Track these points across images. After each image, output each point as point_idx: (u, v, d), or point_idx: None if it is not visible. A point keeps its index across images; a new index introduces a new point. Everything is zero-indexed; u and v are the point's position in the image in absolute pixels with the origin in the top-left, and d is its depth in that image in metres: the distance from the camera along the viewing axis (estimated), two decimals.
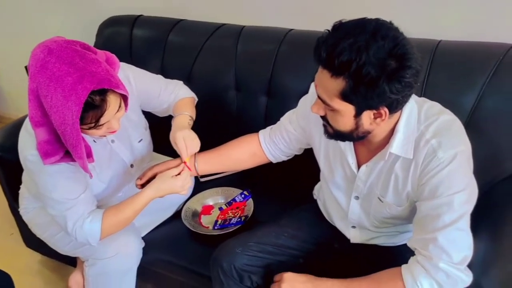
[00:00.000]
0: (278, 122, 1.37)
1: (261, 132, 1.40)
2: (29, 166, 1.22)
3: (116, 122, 1.18)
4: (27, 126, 1.23)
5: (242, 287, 1.24)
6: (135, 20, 2.05)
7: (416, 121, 1.01)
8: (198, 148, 1.31)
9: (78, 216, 1.24)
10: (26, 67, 2.34)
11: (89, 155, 1.20)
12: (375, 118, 0.96)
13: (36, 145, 1.16)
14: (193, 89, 1.84)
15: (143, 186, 1.32)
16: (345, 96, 0.91)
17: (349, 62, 0.85)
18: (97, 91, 1.06)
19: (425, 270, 0.97)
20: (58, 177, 1.21)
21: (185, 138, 1.28)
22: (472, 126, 1.33)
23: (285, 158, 1.40)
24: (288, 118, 1.34)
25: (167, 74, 1.66)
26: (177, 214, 1.62)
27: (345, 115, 0.96)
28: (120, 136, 1.38)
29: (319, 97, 0.98)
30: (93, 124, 1.12)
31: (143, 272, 1.50)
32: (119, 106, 1.15)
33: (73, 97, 1.02)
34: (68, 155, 1.19)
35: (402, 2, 1.57)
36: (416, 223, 1.04)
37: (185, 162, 1.30)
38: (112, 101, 1.11)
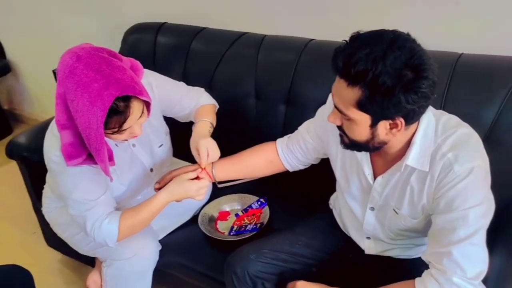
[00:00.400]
0: (296, 131, 1.39)
1: (279, 140, 1.42)
2: (53, 166, 1.27)
3: (138, 128, 1.22)
4: (53, 128, 1.28)
5: None
6: (159, 28, 2.10)
7: (433, 134, 1.01)
8: (217, 157, 1.34)
9: (97, 217, 1.27)
10: (53, 71, 2.42)
11: (111, 158, 1.24)
12: (391, 128, 0.97)
13: (61, 147, 1.21)
14: (213, 96, 1.87)
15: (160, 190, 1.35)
16: (361, 105, 0.92)
17: (365, 71, 0.87)
18: (122, 98, 1.10)
19: (439, 284, 0.97)
20: (79, 178, 1.25)
21: (208, 147, 1.31)
22: (492, 140, 1.31)
23: (301, 167, 1.41)
24: (306, 128, 1.35)
25: (189, 81, 1.69)
26: (194, 219, 1.64)
27: (361, 125, 0.97)
28: (141, 141, 1.41)
29: (335, 106, 0.99)
30: (116, 129, 1.16)
31: (158, 274, 1.53)
32: (142, 112, 1.19)
33: (99, 103, 1.06)
34: (90, 158, 1.22)
35: (423, 14, 1.57)
36: (431, 236, 1.03)
37: (204, 168, 1.32)
38: (136, 107, 1.15)
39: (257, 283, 1.25)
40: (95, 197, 1.28)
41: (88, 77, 1.07)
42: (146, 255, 1.44)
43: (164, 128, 1.54)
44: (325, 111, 1.26)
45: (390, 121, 0.95)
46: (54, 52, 2.79)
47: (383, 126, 0.96)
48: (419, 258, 1.20)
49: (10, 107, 3.42)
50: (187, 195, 1.30)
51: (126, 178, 1.42)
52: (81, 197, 1.26)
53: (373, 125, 0.96)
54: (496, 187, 1.03)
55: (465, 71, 1.42)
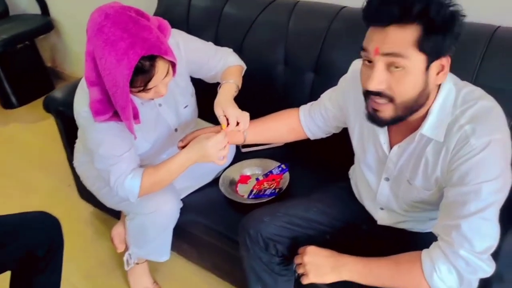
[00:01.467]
0: (319, 99, 1.38)
1: (302, 107, 1.42)
2: (81, 121, 1.32)
3: (163, 87, 1.25)
4: (82, 84, 1.33)
5: (267, 254, 1.28)
6: None
7: (452, 104, 0.98)
8: (247, 126, 1.34)
9: (121, 172, 1.33)
10: None
11: (136, 116, 1.28)
12: (438, 73, 0.95)
13: (89, 103, 1.25)
14: (243, 61, 1.88)
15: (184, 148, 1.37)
16: (420, 44, 0.90)
17: (417, 4, 0.87)
18: (147, 57, 1.12)
19: (445, 256, 0.96)
20: (105, 134, 1.30)
21: (238, 117, 1.31)
22: None
23: (323, 135, 1.41)
24: (328, 96, 1.34)
25: (220, 45, 1.69)
26: (215, 181, 1.67)
27: (414, 72, 0.93)
28: (167, 101, 1.44)
29: (391, 53, 0.92)
30: (142, 88, 1.19)
31: (179, 231, 1.59)
32: (167, 72, 1.22)
33: (125, 61, 1.10)
34: (116, 115, 1.27)
35: None
36: (442, 209, 1.02)
37: (224, 130, 1.32)
38: (161, 66, 1.18)
39: (269, 244, 1.28)
40: (120, 152, 1.32)
41: (115, 36, 1.10)
42: (167, 211, 1.50)
43: (191, 89, 1.56)
44: (347, 80, 1.25)
45: (440, 62, 0.94)
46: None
47: (434, 70, 0.94)
48: (432, 232, 1.20)
49: (52, 64, 3.55)
50: (205, 153, 1.31)
51: (151, 137, 1.46)
52: (107, 152, 1.32)
53: (427, 68, 0.93)
54: None
55: (500, 45, 1.36)
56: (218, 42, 1.95)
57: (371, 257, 1.09)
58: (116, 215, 1.91)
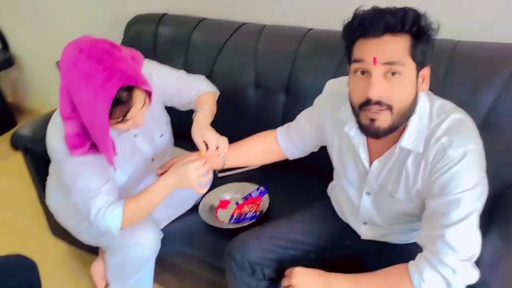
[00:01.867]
0: (295, 120, 1.40)
1: (279, 129, 1.43)
2: (56, 156, 1.29)
3: (141, 117, 1.24)
4: (55, 118, 1.30)
5: (254, 279, 1.27)
6: (160, 19, 2.11)
7: (427, 118, 1.03)
8: (226, 149, 1.34)
9: (101, 205, 1.29)
10: (57, 63, 2.44)
11: (113, 148, 1.26)
12: (422, 81, 1.02)
13: (64, 137, 1.23)
14: (215, 86, 1.89)
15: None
16: (411, 52, 0.96)
17: (406, 16, 0.94)
18: (125, 88, 1.12)
19: (431, 265, 0.98)
20: (83, 167, 1.27)
21: (217, 140, 1.32)
22: (489, 126, 1.32)
23: (302, 155, 1.43)
24: (304, 116, 1.37)
25: (190, 71, 1.70)
26: (194, 208, 1.65)
27: (408, 78, 0.98)
28: (142, 131, 1.43)
29: (389, 63, 0.95)
30: (120, 119, 1.18)
31: (161, 263, 1.56)
32: (144, 102, 1.22)
33: (103, 94, 1.09)
34: (93, 148, 1.25)
35: (421, 3, 1.57)
36: (425, 220, 1.05)
37: (203, 156, 1.32)
38: (138, 97, 1.18)
39: (256, 269, 1.27)
40: (98, 185, 1.29)
41: (91, 69, 1.10)
42: (148, 243, 1.46)
43: (165, 118, 1.55)
44: (322, 100, 1.28)
45: (424, 71, 1.01)
46: (57, 45, 2.80)
47: (420, 79, 1.01)
48: (415, 243, 1.22)
49: (14, 100, 3.45)
50: (185, 177, 1.29)
51: (128, 168, 1.44)
52: (85, 185, 1.28)
53: (417, 75, 0.99)
54: (493, 172, 1.04)
55: (462, 59, 1.43)
56: (188, 69, 1.96)
57: (360, 273, 1.10)
58: (93, 251, 1.85)
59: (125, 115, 1.17)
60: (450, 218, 0.96)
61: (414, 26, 0.95)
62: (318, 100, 1.32)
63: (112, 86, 1.09)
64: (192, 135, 1.35)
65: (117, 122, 1.19)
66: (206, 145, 1.31)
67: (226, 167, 1.40)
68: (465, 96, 1.37)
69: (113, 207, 1.30)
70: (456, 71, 1.42)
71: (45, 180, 1.74)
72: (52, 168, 1.63)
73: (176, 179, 1.31)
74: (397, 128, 1.02)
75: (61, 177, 1.33)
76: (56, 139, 1.27)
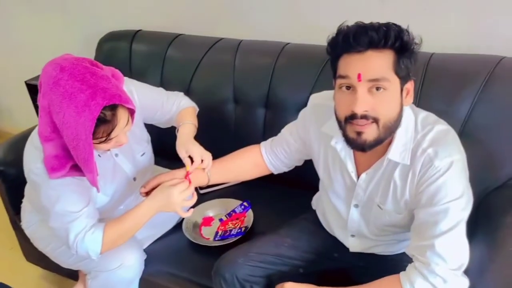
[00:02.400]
0: (279, 134, 1.40)
1: (263, 144, 1.43)
2: (34, 178, 1.25)
3: (124, 136, 1.22)
4: (33, 139, 1.26)
5: None
6: (134, 35, 2.09)
7: (413, 130, 1.05)
8: (211, 163, 1.34)
9: (80, 229, 1.25)
10: (26, 82, 2.38)
11: (95, 169, 1.22)
12: (406, 95, 1.03)
13: (43, 159, 1.19)
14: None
15: (147, 194, 1.33)
16: (395, 67, 0.98)
17: (389, 32, 0.96)
18: (109, 107, 1.10)
19: (422, 276, 1.00)
20: (62, 190, 1.23)
21: (202, 155, 1.32)
22: (465, 136, 1.36)
23: (286, 169, 1.43)
24: (288, 130, 1.37)
25: (167, 88, 1.68)
26: (178, 226, 1.63)
27: (393, 93, 0.99)
28: (123, 150, 1.40)
29: (372, 80, 0.97)
30: (104, 139, 1.15)
31: (144, 284, 1.52)
32: (128, 120, 1.19)
33: (86, 113, 1.06)
34: (73, 170, 1.21)
35: (394, 15, 1.61)
36: (414, 230, 1.07)
37: (188, 173, 1.30)
38: (122, 115, 1.16)
39: (245, 286, 1.26)
40: (78, 209, 1.25)
41: (73, 88, 1.07)
42: (132, 265, 1.43)
43: (146, 136, 1.53)
44: (306, 114, 1.28)
45: (407, 85, 1.02)
46: (26, 63, 2.76)
47: (404, 93, 1.02)
48: (403, 253, 1.25)
49: None
50: (170, 201, 1.27)
51: (110, 188, 1.41)
52: (64, 209, 1.24)
53: (401, 90, 1.01)
54: (473, 180, 1.06)
55: (437, 70, 1.47)
56: (164, 85, 1.94)
57: (351, 286, 1.11)
58: (72, 275, 1.79)
59: (108, 135, 1.15)
60: (439, 228, 0.98)
61: (397, 42, 0.96)
62: (302, 114, 1.32)
63: (96, 105, 1.07)
64: (177, 149, 1.33)
65: (101, 142, 1.16)
66: (191, 159, 1.30)
67: (211, 183, 1.39)
68: (441, 107, 1.41)
69: (93, 230, 1.26)
70: (431, 82, 1.46)
71: (19, 203, 1.68)
72: (28, 190, 1.57)
73: (159, 203, 1.29)
74: (383, 141, 1.04)
75: (38, 200, 1.28)
76: (33, 161, 1.23)
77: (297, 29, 1.86)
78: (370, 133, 1.01)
